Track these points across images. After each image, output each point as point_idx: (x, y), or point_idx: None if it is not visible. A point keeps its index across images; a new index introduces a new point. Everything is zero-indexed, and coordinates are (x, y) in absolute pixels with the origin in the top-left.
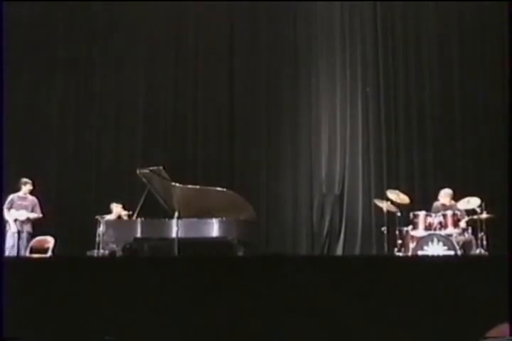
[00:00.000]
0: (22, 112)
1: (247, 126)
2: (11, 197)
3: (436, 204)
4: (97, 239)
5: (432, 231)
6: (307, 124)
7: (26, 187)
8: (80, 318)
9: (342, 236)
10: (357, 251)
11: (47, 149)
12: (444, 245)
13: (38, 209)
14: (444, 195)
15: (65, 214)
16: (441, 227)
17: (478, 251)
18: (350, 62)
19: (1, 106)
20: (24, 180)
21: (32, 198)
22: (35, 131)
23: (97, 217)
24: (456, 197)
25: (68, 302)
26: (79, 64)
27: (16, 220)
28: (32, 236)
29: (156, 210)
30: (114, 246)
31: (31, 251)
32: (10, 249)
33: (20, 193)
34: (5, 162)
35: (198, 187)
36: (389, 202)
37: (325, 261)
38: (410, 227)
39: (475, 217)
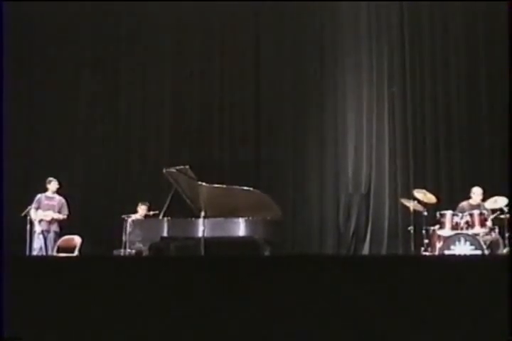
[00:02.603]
0: (49, 112)
1: (273, 126)
2: (38, 196)
3: (462, 204)
4: (124, 238)
5: (459, 231)
6: (333, 124)
7: (52, 186)
8: (105, 318)
9: (368, 235)
10: (383, 251)
11: (74, 149)
12: (471, 245)
13: (65, 209)
14: (477, 193)
15: (91, 213)
16: (468, 227)
17: (505, 251)
18: (376, 63)
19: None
20: (49, 178)
21: (59, 198)
22: (62, 131)
23: (123, 216)
24: (484, 196)
25: (94, 301)
26: (105, 64)
27: (41, 220)
28: (59, 235)
29: (182, 210)
30: (140, 245)
31: (58, 251)
32: (38, 250)
33: (49, 193)
34: (33, 162)
35: (224, 186)
36: (415, 202)
37: (351, 260)
38: (437, 227)
39: (502, 216)
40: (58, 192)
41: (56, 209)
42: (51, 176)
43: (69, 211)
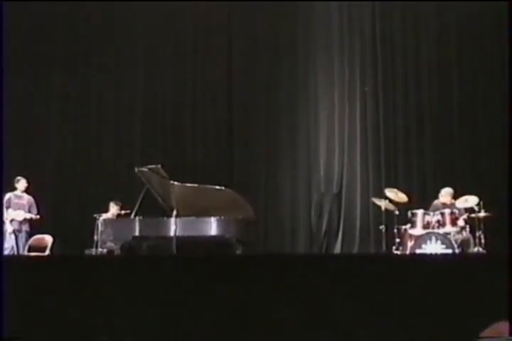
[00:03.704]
0: (20, 111)
1: (245, 125)
2: (8, 195)
3: (435, 202)
4: (95, 237)
5: (430, 230)
6: (306, 123)
7: (20, 185)
8: (78, 317)
9: (340, 234)
10: (355, 250)
11: (45, 148)
12: (442, 243)
13: (34, 208)
14: (445, 194)
15: (63, 212)
16: (440, 226)
17: (476, 250)
18: (348, 62)
19: (1, 105)
20: (17, 177)
21: (28, 197)
22: (33, 130)
23: (95, 215)
24: (455, 195)
25: (66, 301)
26: (77, 63)
27: (12, 220)
28: (30, 235)
29: (154, 209)
30: (112, 244)
31: (29, 250)
32: (9, 249)
33: (17, 192)
34: (4, 161)
35: (196, 185)
36: (387, 201)
37: (323, 259)
38: (408, 226)
39: (473, 215)
40: (27, 191)
41: (26, 209)
42: (22, 175)
43: (37, 210)
